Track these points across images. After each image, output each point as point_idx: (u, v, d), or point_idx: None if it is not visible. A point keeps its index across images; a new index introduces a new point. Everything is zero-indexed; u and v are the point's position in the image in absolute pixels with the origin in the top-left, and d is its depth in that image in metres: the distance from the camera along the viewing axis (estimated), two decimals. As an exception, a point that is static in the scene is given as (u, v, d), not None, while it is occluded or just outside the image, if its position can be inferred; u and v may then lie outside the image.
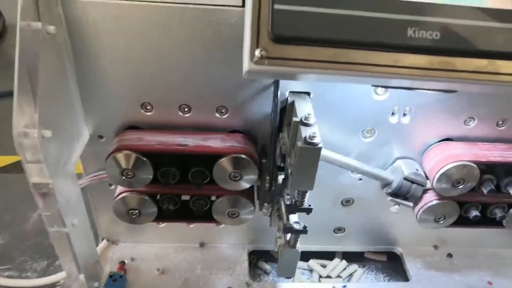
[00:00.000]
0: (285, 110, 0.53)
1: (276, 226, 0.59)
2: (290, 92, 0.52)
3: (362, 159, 0.59)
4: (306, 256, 0.74)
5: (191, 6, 0.45)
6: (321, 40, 0.37)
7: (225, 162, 0.51)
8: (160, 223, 0.63)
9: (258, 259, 0.74)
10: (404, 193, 0.58)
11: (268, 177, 0.52)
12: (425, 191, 0.59)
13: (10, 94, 0.42)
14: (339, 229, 0.71)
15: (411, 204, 0.59)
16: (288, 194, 0.52)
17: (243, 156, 0.51)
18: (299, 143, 0.44)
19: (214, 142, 0.52)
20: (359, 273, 0.74)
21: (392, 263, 0.76)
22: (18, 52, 0.39)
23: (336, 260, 0.75)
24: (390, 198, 0.58)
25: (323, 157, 0.51)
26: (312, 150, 0.44)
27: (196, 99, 0.53)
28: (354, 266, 0.75)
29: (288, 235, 0.54)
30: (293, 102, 0.51)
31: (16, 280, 0.67)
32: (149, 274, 0.65)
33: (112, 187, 0.62)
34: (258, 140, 0.57)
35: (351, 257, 0.75)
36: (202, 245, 0.71)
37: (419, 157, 0.60)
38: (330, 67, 0.37)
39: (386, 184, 0.60)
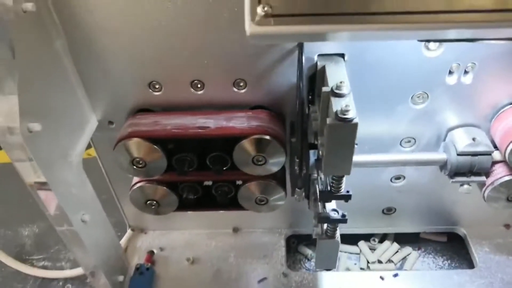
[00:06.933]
0: (316, 78, 0.44)
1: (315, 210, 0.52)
2: (319, 55, 0.43)
3: (413, 131, 0.50)
4: (353, 239, 0.67)
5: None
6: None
7: (245, 145, 0.44)
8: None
9: (299, 243, 0.68)
10: (466, 169, 0.48)
11: (297, 159, 0.44)
12: (494, 163, 0.48)
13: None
14: (389, 210, 0.62)
15: (483, 178, 0.48)
16: (322, 178, 0.45)
17: (266, 137, 0.43)
18: (329, 120, 0.36)
19: (237, 122, 0.45)
20: (413, 257, 0.65)
21: (453, 244, 0.66)
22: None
23: (387, 243, 0.66)
24: (452, 180, 0.48)
25: (355, 163, 0.41)
26: (345, 128, 0.36)
27: (208, 73, 0.45)
28: (407, 249, 0.66)
29: (326, 225, 0.46)
30: (323, 68, 0.42)
31: (49, 271, 0.66)
32: (179, 264, 0.60)
33: (131, 175, 0.57)
34: (286, 116, 0.49)
35: (405, 238, 0.67)
36: (235, 230, 0.65)
37: (485, 124, 0.49)
38: (360, 21, 0.28)
39: (442, 166, 0.50)
